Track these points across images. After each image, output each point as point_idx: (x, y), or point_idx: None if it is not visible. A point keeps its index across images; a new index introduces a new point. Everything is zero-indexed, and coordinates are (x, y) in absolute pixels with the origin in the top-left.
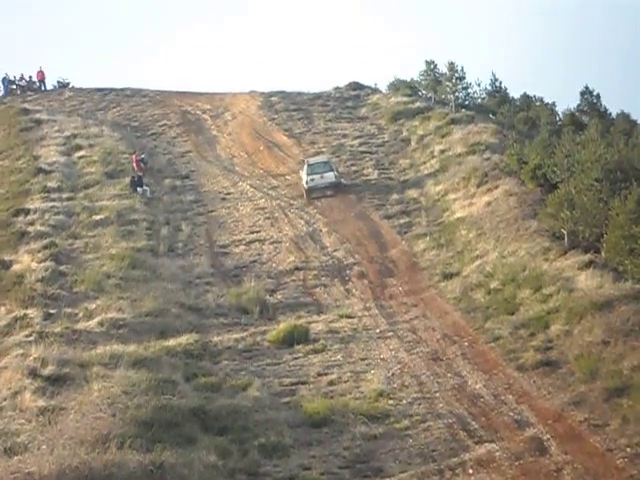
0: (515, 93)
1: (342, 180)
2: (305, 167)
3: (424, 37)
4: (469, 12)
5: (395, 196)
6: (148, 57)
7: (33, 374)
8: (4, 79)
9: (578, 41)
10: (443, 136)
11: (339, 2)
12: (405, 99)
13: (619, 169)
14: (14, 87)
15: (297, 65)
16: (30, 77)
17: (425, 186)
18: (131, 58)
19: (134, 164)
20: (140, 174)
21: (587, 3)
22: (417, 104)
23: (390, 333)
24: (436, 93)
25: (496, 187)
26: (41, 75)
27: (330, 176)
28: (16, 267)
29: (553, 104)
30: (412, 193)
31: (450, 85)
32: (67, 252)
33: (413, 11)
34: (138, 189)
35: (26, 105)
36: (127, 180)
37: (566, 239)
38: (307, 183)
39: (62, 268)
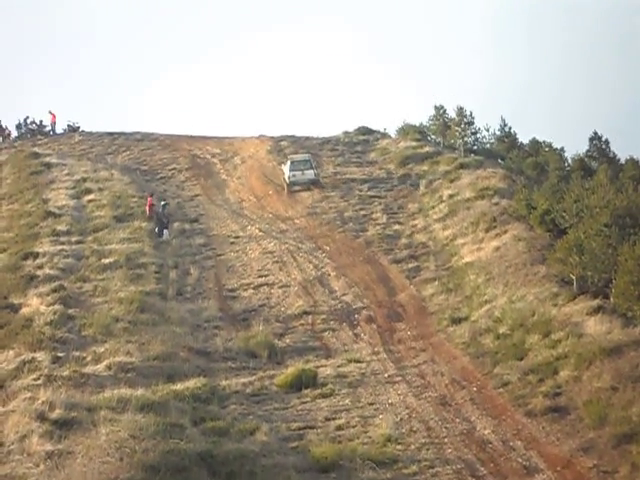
0: (524, 138)
1: (320, 178)
2: (288, 164)
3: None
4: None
5: (404, 240)
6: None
7: (41, 418)
8: None
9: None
10: (452, 181)
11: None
12: (414, 144)
13: (628, 215)
14: (24, 131)
15: (306, 109)
16: (41, 121)
17: (434, 231)
18: (139, 102)
19: (147, 207)
20: (157, 213)
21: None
22: (426, 149)
23: (398, 378)
24: (445, 138)
25: (505, 232)
26: (53, 118)
27: (310, 173)
28: (25, 310)
29: (562, 149)
30: (421, 237)
31: (459, 130)
32: (76, 295)
33: (423, 57)
34: (165, 231)
35: (36, 149)
36: (139, 224)
37: (575, 284)
38: (289, 178)
39: (71, 311)
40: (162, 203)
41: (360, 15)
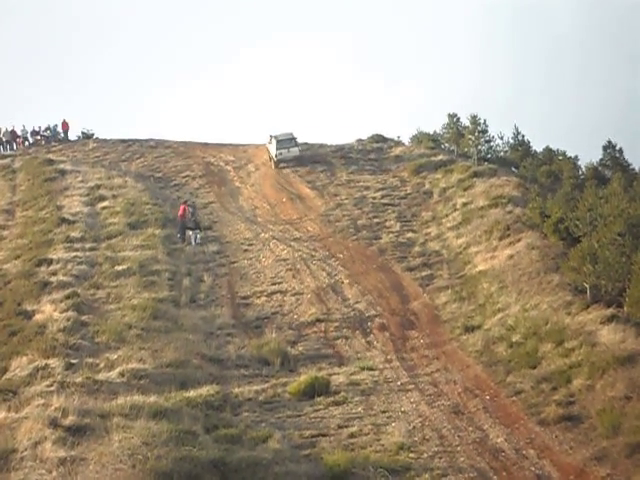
0: (538, 146)
1: (303, 154)
2: (274, 142)
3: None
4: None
5: (417, 248)
6: (169, 108)
7: (54, 424)
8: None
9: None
10: (465, 189)
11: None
12: (428, 152)
13: None
14: (38, 138)
15: (319, 117)
16: (55, 126)
17: (447, 239)
18: (154, 110)
19: (180, 212)
20: (184, 221)
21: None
22: (440, 157)
23: (411, 386)
24: (459, 146)
25: (518, 240)
26: (66, 126)
27: (295, 150)
28: (38, 317)
29: (576, 158)
30: (434, 245)
31: (473, 138)
32: (89, 302)
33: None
34: (190, 233)
35: (50, 155)
36: (152, 231)
37: (588, 293)
38: (276, 156)
39: (84, 318)
40: (192, 206)
41: (363, 27)
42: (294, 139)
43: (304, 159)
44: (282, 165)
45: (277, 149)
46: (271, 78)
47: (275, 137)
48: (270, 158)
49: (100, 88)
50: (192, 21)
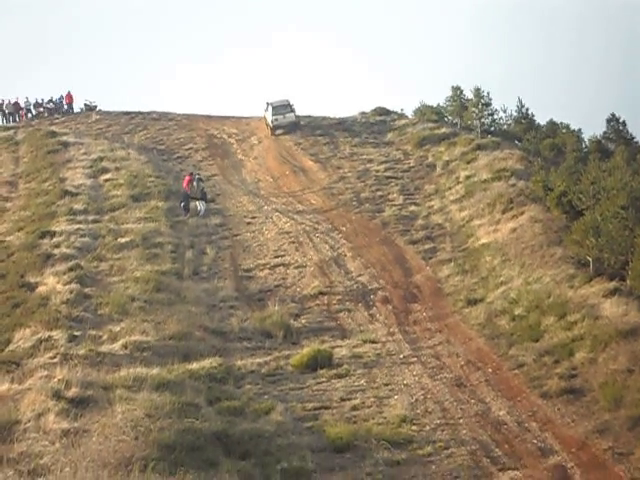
0: (541, 119)
1: (299, 120)
2: (270, 109)
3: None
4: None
5: (420, 221)
6: (174, 80)
7: (57, 396)
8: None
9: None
10: (469, 162)
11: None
12: (431, 125)
13: None
14: (41, 110)
15: (323, 89)
16: (60, 98)
17: (450, 212)
18: (156, 81)
19: (185, 183)
20: (188, 193)
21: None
22: (443, 130)
23: (414, 359)
24: (462, 119)
25: (521, 213)
26: (70, 98)
27: (291, 116)
28: (41, 289)
29: (579, 131)
30: (437, 219)
31: (476, 111)
32: (92, 275)
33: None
34: (197, 203)
35: (53, 128)
36: (155, 203)
37: (591, 266)
38: (272, 122)
39: (87, 290)
40: (197, 177)
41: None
42: (290, 105)
43: (302, 127)
44: (279, 132)
45: (273, 115)
46: (274, 59)
47: (271, 104)
48: (267, 125)
49: (105, 62)
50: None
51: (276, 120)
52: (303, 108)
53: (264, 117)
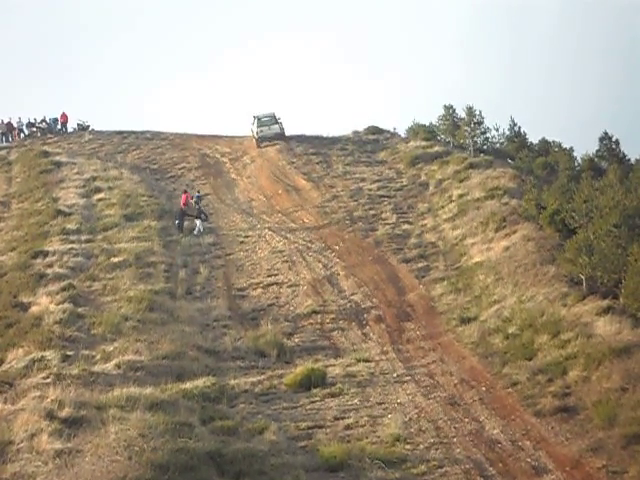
0: (534, 138)
1: (284, 132)
2: (255, 121)
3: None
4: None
5: (413, 240)
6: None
7: (50, 416)
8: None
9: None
10: (461, 180)
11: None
12: (424, 143)
13: (638, 215)
14: (34, 129)
15: (315, 109)
16: (55, 119)
17: (443, 230)
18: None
19: (183, 201)
20: (184, 210)
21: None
22: (436, 148)
23: (407, 377)
24: (455, 137)
25: (514, 232)
26: (64, 118)
27: (276, 128)
28: (34, 309)
29: (571, 149)
30: (430, 237)
31: (468, 130)
32: (85, 294)
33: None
34: (196, 221)
35: (46, 147)
36: (148, 223)
37: (584, 284)
38: (257, 134)
39: (80, 310)
40: (196, 195)
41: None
42: (275, 117)
43: (285, 137)
44: (264, 144)
45: (258, 127)
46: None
47: (257, 117)
48: (253, 137)
49: (97, 83)
50: (189, 18)
51: (261, 132)
52: (295, 126)
53: (251, 130)
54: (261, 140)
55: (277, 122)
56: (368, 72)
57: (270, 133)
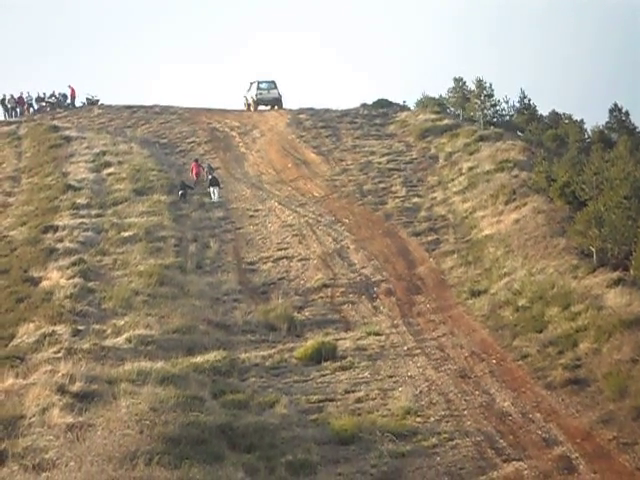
0: (544, 110)
1: (282, 99)
2: (255, 85)
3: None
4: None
5: (423, 213)
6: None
7: (61, 390)
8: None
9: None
10: (471, 153)
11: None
12: (433, 116)
13: None
14: (43, 104)
15: (325, 82)
16: (62, 94)
17: (453, 203)
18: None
19: (193, 169)
20: (195, 180)
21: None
22: (445, 121)
23: (418, 350)
24: (464, 110)
25: (524, 204)
26: (73, 92)
27: (275, 92)
28: (45, 284)
29: (582, 121)
30: (440, 210)
31: (478, 102)
32: (96, 269)
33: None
34: (210, 189)
35: (56, 122)
36: (158, 197)
37: (595, 257)
38: (257, 96)
39: (91, 285)
40: (207, 164)
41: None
42: (274, 83)
43: (281, 103)
44: (261, 107)
45: (257, 90)
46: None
47: (256, 81)
48: (249, 104)
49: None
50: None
51: (260, 94)
52: (305, 101)
53: (244, 97)
54: (258, 103)
55: (276, 87)
56: (371, 54)
57: (269, 97)
